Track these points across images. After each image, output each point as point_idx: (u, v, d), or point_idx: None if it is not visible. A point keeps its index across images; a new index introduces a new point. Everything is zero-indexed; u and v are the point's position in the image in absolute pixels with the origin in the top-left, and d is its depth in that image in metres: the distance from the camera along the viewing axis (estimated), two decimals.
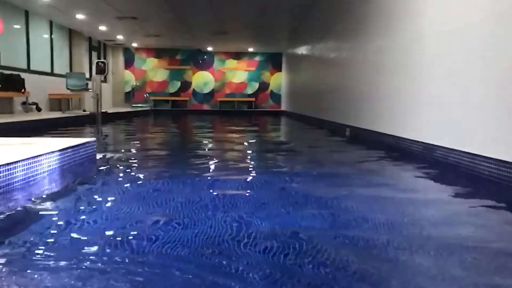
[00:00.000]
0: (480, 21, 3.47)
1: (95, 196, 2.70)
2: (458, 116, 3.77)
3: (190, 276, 1.44)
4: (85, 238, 1.83)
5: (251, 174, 3.69)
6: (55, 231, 1.92)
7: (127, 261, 1.57)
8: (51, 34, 11.66)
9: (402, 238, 1.89)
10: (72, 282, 1.40)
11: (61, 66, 12.09)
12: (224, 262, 1.55)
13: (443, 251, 1.72)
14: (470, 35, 3.61)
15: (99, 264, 1.53)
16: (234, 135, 7.75)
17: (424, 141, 4.40)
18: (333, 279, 1.44)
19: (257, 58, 18.42)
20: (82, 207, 2.38)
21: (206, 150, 5.48)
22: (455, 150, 3.77)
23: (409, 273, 1.53)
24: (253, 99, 18.38)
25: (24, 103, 9.37)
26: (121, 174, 3.52)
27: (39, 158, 3.06)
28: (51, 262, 1.55)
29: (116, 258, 1.59)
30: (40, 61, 10.84)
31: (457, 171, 3.63)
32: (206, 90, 18.28)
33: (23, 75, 9.23)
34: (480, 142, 3.43)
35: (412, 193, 2.95)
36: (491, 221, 2.29)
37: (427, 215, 2.37)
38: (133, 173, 3.59)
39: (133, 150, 5.35)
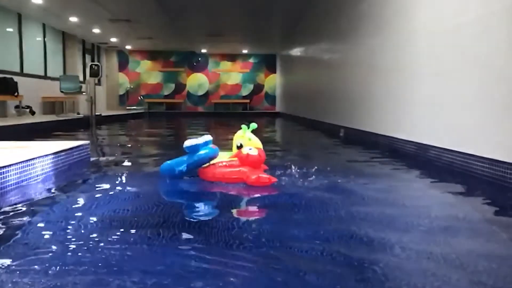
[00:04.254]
0: (471, 21, 3.50)
1: (88, 199, 2.69)
2: (451, 115, 3.80)
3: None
4: (74, 240, 1.83)
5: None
6: (44, 233, 1.92)
7: (111, 258, 1.58)
8: (44, 37, 11.60)
9: None
10: (60, 281, 1.41)
11: (54, 69, 12.03)
12: None
13: None
14: (462, 35, 3.63)
15: (86, 264, 1.54)
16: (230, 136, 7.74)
17: (417, 141, 4.42)
18: None
19: (252, 60, 18.44)
20: (74, 210, 2.37)
21: None
22: (448, 150, 3.80)
23: None
24: (247, 100, 18.40)
25: (17, 107, 9.32)
26: (114, 177, 3.50)
27: (32, 162, 3.04)
28: (38, 262, 1.57)
29: (102, 258, 1.60)
30: (33, 64, 10.79)
31: (451, 171, 3.66)
32: (201, 92, 18.27)
33: (16, 78, 9.18)
34: (472, 142, 3.45)
35: None
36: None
37: None
38: (126, 176, 3.57)
39: (127, 153, 5.34)
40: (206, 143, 3.09)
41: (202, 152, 3.04)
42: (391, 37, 5.19)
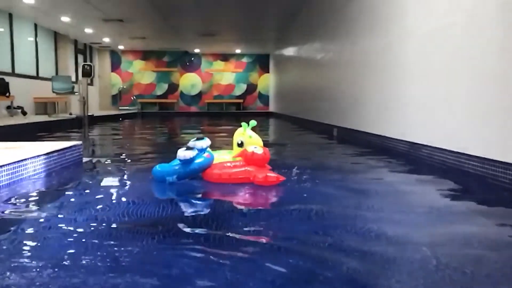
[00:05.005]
0: (463, 21, 3.53)
1: (82, 199, 2.68)
2: (442, 115, 3.82)
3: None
4: (70, 240, 1.82)
5: None
6: (35, 234, 1.91)
7: (103, 258, 1.58)
8: (36, 37, 11.53)
9: None
10: (50, 280, 1.41)
11: (46, 69, 11.96)
12: None
13: None
14: (454, 35, 3.66)
15: (84, 264, 1.53)
16: (223, 135, 7.74)
17: (409, 140, 4.45)
18: None
19: (245, 60, 18.44)
20: (67, 210, 2.36)
21: None
22: (440, 148, 3.83)
23: None
24: (241, 100, 18.40)
25: (9, 107, 9.26)
26: (107, 178, 3.49)
27: (24, 162, 3.03)
28: (30, 261, 1.57)
29: (100, 258, 1.59)
30: (25, 64, 10.72)
31: (445, 170, 3.69)
32: (194, 92, 18.25)
33: (7, 78, 9.12)
34: (464, 141, 3.48)
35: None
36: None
37: None
38: (119, 176, 3.56)
39: (120, 153, 5.31)
40: (202, 151, 3.02)
41: (196, 161, 2.96)
42: (383, 37, 5.21)
